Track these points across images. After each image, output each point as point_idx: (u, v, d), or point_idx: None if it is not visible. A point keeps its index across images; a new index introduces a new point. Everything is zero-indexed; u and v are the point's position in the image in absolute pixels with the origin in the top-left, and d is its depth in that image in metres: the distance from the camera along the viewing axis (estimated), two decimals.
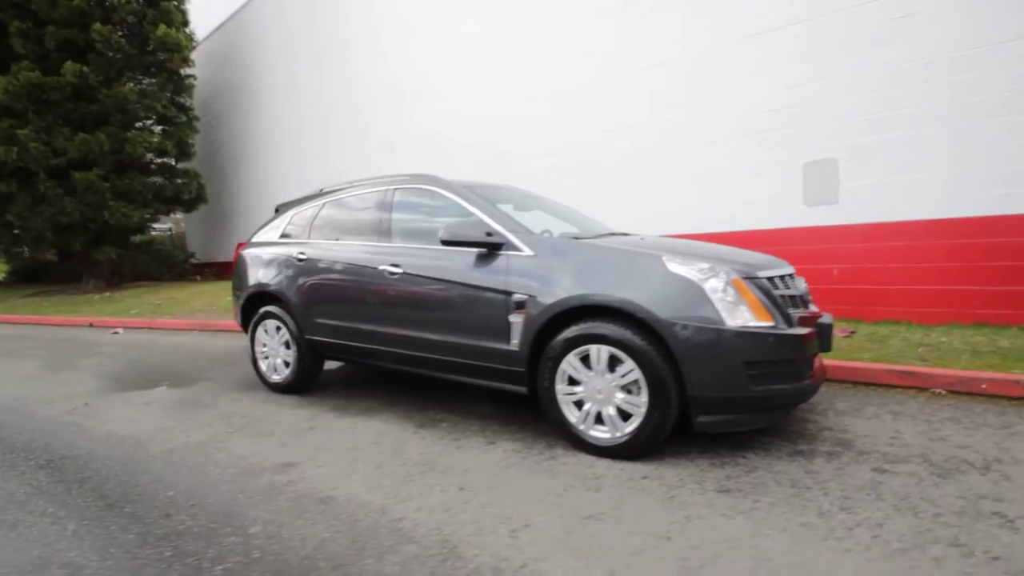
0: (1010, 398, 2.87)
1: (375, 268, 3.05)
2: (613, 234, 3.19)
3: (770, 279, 2.33)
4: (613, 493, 2.00)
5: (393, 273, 2.96)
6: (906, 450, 2.29)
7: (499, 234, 2.62)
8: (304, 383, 3.59)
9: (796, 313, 2.33)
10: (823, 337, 2.38)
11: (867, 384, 3.29)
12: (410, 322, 2.91)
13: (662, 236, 3.49)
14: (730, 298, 2.14)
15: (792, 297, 2.39)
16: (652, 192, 5.75)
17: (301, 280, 3.44)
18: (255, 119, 12.55)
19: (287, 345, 3.57)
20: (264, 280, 3.67)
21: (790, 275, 2.53)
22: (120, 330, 7.23)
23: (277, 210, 4.03)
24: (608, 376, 2.27)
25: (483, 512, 1.90)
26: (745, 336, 2.09)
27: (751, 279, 2.24)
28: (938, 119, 4.12)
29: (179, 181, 11.75)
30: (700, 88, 5.38)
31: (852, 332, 4.21)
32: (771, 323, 2.16)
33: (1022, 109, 3.82)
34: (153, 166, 11.70)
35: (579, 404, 2.39)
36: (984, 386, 2.94)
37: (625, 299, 2.18)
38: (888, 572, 1.49)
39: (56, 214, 9.96)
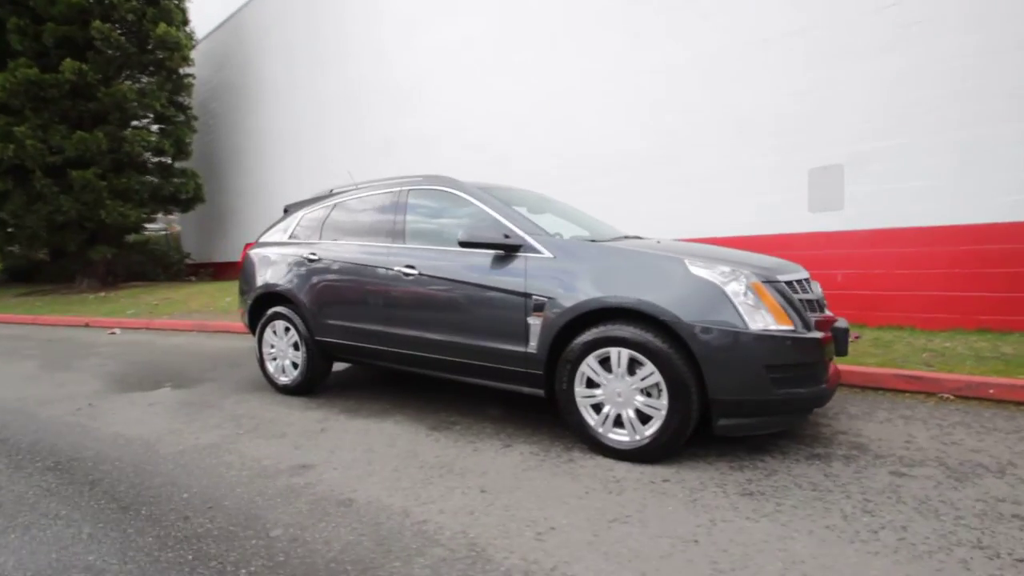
0: (1018, 403, 2.90)
1: (389, 269, 3.03)
2: (627, 237, 3.20)
3: (788, 283, 2.34)
4: (636, 496, 2.00)
5: (408, 274, 2.95)
6: (921, 454, 2.31)
7: (518, 236, 2.62)
8: (312, 385, 3.56)
9: (813, 317, 2.34)
10: (839, 341, 2.40)
11: (875, 389, 3.32)
12: (425, 324, 2.90)
13: (670, 240, 3.50)
14: (751, 302, 2.15)
15: (809, 301, 2.41)
16: (655, 195, 5.78)
17: (312, 281, 3.41)
18: (253, 119, 12.50)
19: (296, 346, 3.54)
20: (273, 281, 3.64)
21: (806, 279, 2.55)
22: (117, 330, 7.14)
23: (286, 210, 4.00)
24: (628, 379, 2.27)
25: (507, 515, 1.90)
26: (767, 340, 2.10)
27: (771, 283, 2.25)
28: (942, 126, 4.18)
29: (176, 180, 11.66)
30: (705, 92, 5.43)
31: (857, 337, 4.24)
32: (791, 327, 2.17)
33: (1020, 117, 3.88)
34: (150, 165, 11.59)
35: (597, 407, 2.38)
36: (992, 391, 2.97)
37: (648, 302, 2.18)
38: (917, 574, 1.50)
39: (52, 212, 9.84)
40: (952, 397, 3.05)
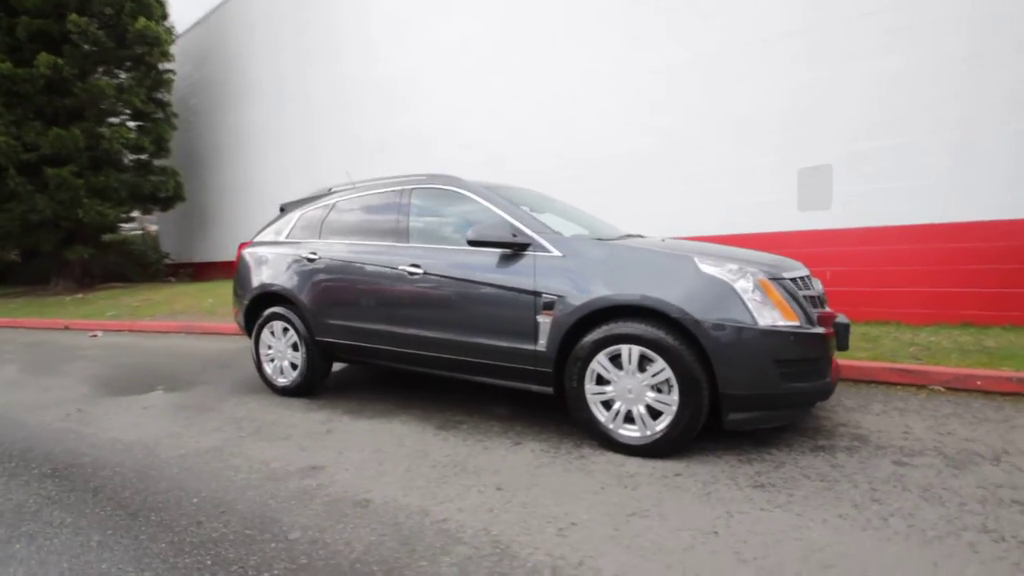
0: (1004, 394, 3.02)
1: (393, 269, 3.01)
2: (630, 235, 3.23)
3: (792, 280, 2.40)
4: (651, 491, 2.03)
5: (413, 274, 2.94)
6: (919, 444, 2.39)
7: (526, 235, 2.63)
8: (312, 386, 3.51)
9: (815, 313, 2.40)
10: (840, 336, 2.47)
11: (868, 382, 3.42)
12: (431, 323, 2.89)
13: (670, 238, 3.55)
14: (759, 298, 2.20)
15: (811, 298, 2.47)
16: (652, 194, 5.85)
17: (312, 281, 3.37)
18: (236, 117, 12.24)
19: (295, 347, 3.49)
20: (271, 281, 3.59)
21: (808, 276, 2.61)
22: (99, 333, 6.93)
23: (282, 209, 3.94)
24: (639, 376, 2.30)
25: (526, 512, 1.91)
26: (776, 335, 2.15)
27: (777, 280, 2.31)
28: (937, 127, 4.32)
29: (156, 179, 11.36)
30: (702, 92, 5.51)
31: None
32: (797, 323, 2.23)
33: (1019, 118, 4.03)
34: (129, 163, 11.27)
35: (607, 404, 2.41)
36: (979, 383, 3.09)
37: (661, 299, 2.21)
38: (930, 558, 1.55)
39: (26, 212, 9.49)
40: (942, 389, 3.16)
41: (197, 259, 14.14)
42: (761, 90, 5.15)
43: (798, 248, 4.86)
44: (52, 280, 11.19)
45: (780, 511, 1.85)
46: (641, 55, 5.92)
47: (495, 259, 2.70)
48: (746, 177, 5.27)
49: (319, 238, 3.50)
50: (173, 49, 11.73)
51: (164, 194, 11.51)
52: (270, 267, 3.64)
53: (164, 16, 11.30)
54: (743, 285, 2.21)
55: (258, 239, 3.91)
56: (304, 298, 3.39)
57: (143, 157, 11.66)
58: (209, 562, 1.66)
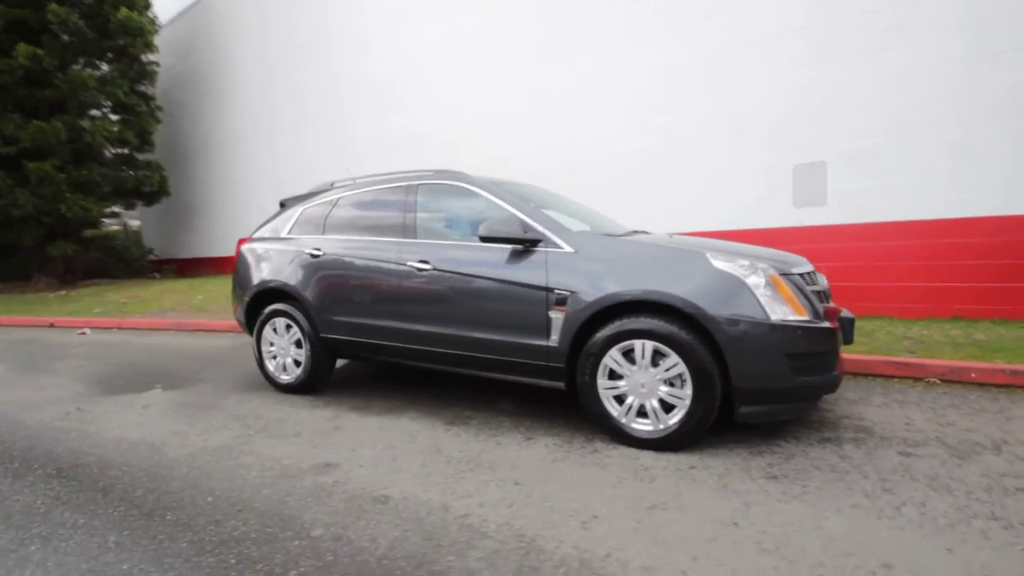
0: (997, 385, 3.12)
1: (401, 264, 3.00)
2: (636, 232, 3.25)
3: (800, 275, 2.45)
4: (667, 483, 2.06)
5: (421, 269, 2.92)
6: (921, 435, 2.46)
7: (537, 231, 2.64)
8: (315, 383, 3.49)
9: (822, 308, 2.45)
10: (845, 330, 2.53)
11: (866, 375, 3.50)
12: (440, 319, 2.88)
13: (676, 234, 3.58)
14: (770, 293, 2.23)
15: (818, 292, 2.52)
16: (650, 192, 5.89)
17: (317, 277, 3.34)
18: (222, 111, 12.02)
19: (298, 344, 3.46)
20: (273, 277, 3.54)
21: (813, 271, 2.66)
22: (87, 330, 6.78)
23: (282, 205, 3.89)
24: (652, 370, 2.32)
25: (547, 506, 1.92)
26: (787, 330, 2.19)
27: (786, 275, 2.35)
28: (928, 126, 4.42)
29: (140, 173, 11.10)
30: (701, 90, 5.56)
31: None
32: (806, 317, 2.27)
33: (1012, 118, 4.13)
34: (112, 156, 11.00)
35: (619, 398, 2.43)
36: (973, 375, 3.19)
37: (674, 295, 2.24)
38: (944, 545, 1.61)
39: (7, 206, 9.21)
40: (938, 381, 3.25)
41: (181, 255, 13.89)
42: (760, 89, 5.21)
43: (793, 244, 4.93)
44: (33, 277, 10.90)
45: (796, 502, 1.89)
46: (641, 54, 5.95)
47: (505, 255, 2.70)
48: (744, 175, 5.33)
49: (323, 234, 3.47)
50: (156, 40, 11.45)
51: (148, 188, 11.27)
52: (272, 263, 3.60)
53: (147, 6, 11.03)
54: (755, 280, 2.24)
55: (258, 235, 3.86)
56: (308, 294, 3.36)
57: (125, 151, 11.39)
58: (233, 561, 1.65)
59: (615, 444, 2.46)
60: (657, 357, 2.32)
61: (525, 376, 2.70)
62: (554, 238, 2.61)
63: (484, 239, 2.64)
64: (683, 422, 2.28)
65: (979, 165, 4.23)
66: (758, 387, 2.22)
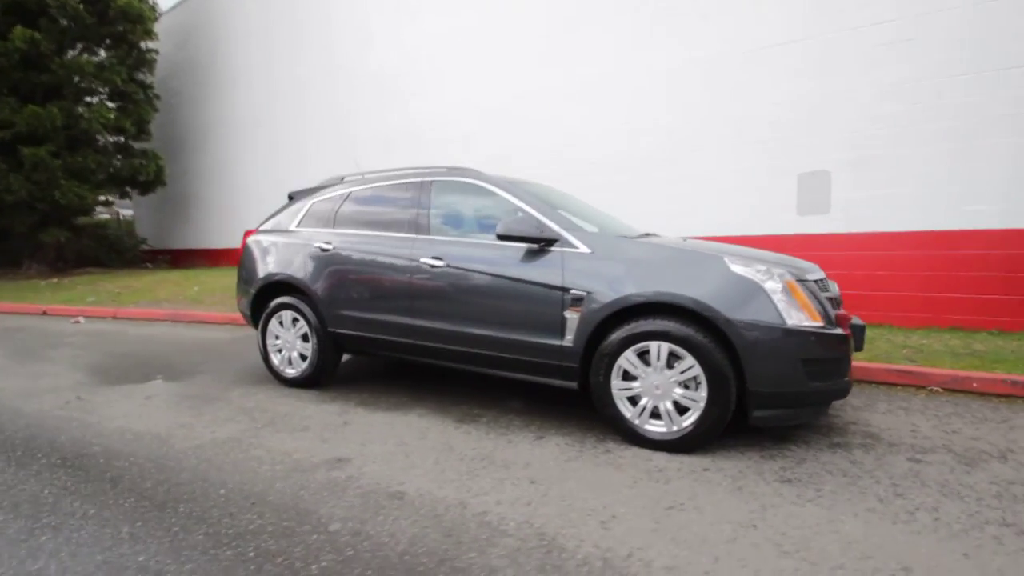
0: (998, 395, 3.17)
1: (414, 261, 2.99)
2: (647, 234, 3.27)
3: (815, 282, 2.47)
4: (683, 485, 2.07)
5: (434, 266, 2.91)
6: (928, 442, 2.49)
7: (554, 231, 2.64)
8: (321, 377, 3.46)
9: (834, 314, 2.48)
10: (856, 337, 2.56)
11: (869, 382, 3.54)
12: (452, 316, 2.87)
13: (687, 238, 3.60)
14: (787, 299, 2.25)
15: (830, 299, 2.54)
16: (651, 195, 5.91)
17: (326, 271, 3.31)
18: (220, 101, 11.89)
19: (305, 338, 3.43)
20: (281, 270, 3.51)
21: (824, 279, 2.69)
22: (82, 319, 6.68)
23: (291, 197, 3.86)
24: (667, 372, 2.33)
25: (565, 505, 1.92)
26: (803, 335, 2.21)
27: (801, 281, 2.37)
28: (929, 139, 4.48)
29: (136, 162, 10.95)
30: (704, 95, 5.59)
31: None
32: (821, 323, 2.29)
33: (1013, 132, 4.20)
34: (108, 144, 10.84)
35: (632, 399, 2.44)
36: (975, 384, 3.24)
37: (692, 297, 2.25)
38: (959, 549, 1.63)
39: (0, 192, 9.04)
40: (940, 390, 3.30)
41: (175, 246, 13.73)
42: (762, 96, 5.25)
43: (795, 251, 4.97)
44: (24, 263, 10.71)
45: (811, 505, 1.91)
46: (642, 56, 5.97)
47: (520, 254, 2.70)
48: (746, 181, 5.37)
49: (333, 228, 3.44)
50: (156, 28, 11.31)
51: (144, 177, 11.11)
52: (280, 256, 3.57)
53: None
54: (772, 285, 2.26)
55: (265, 227, 3.82)
56: (317, 288, 3.33)
57: (121, 139, 11.23)
58: (252, 554, 1.63)
59: (627, 445, 2.46)
60: (672, 359, 2.33)
61: (537, 375, 2.70)
62: (571, 238, 2.61)
63: (502, 237, 2.64)
64: (697, 424, 2.29)
65: (980, 178, 4.30)
66: (773, 391, 2.23)
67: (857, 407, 3.02)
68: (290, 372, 3.51)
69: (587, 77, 6.38)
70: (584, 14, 6.40)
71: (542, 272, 2.60)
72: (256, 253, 3.73)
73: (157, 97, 11.75)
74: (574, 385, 2.61)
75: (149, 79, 11.54)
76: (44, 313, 7.21)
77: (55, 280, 9.72)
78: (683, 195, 5.72)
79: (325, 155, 9.46)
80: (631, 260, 2.47)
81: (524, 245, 2.68)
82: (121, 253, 13.17)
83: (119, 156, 10.87)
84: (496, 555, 1.62)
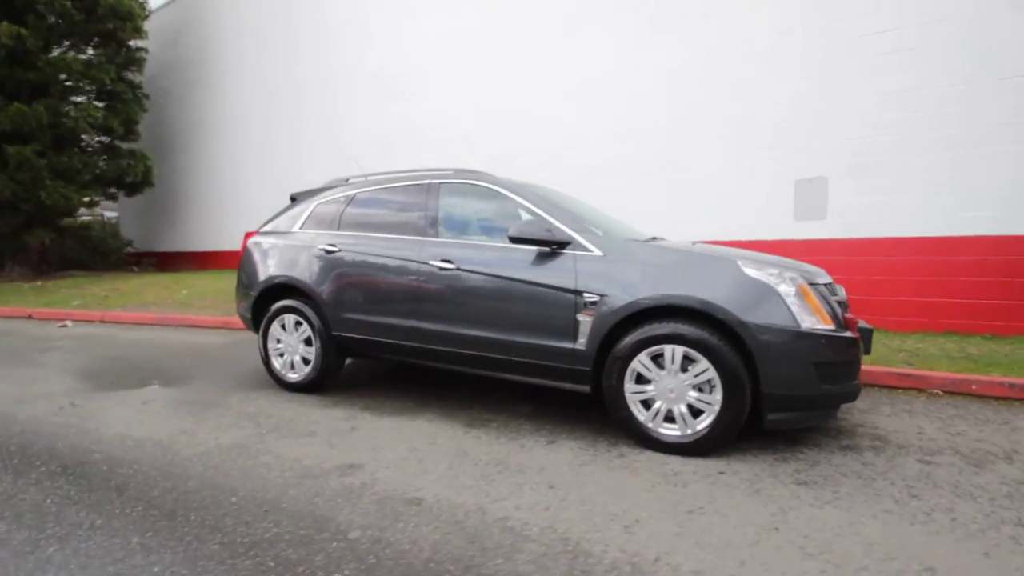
0: (997, 398, 3.23)
1: (423, 263, 2.96)
2: (655, 238, 3.28)
3: (824, 285, 2.50)
4: (701, 488, 2.07)
5: (444, 269, 2.89)
6: (935, 444, 2.53)
7: (566, 234, 2.63)
8: (324, 382, 3.41)
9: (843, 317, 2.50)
10: (865, 340, 2.58)
11: (870, 385, 3.58)
12: (462, 320, 2.85)
13: (697, 242, 3.63)
14: (800, 302, 2.27)
15: (839, 303, 2.57)
16: (651, 199, 5.95)
17: (331, 274, 3.27)
18: (211, 101, 11.73)
19: (308, 341, 3.38)
20: (283, 272, 3.46)
21: (831, 283, 2.72)
22: (69, 323, 6.51)
23: (293, 199, 3.81)
24: (681, 375, 2.34)
25: (586, 509, 1.91)
26: (816, 338, 2.23)
27: (812, 285, 2.39)
28: (928, 146, 4.57)
29: (124, 162, 10.73)
30: (703, 99, 5.65)
31: None
32: (832, 327, 2.32)
33: (1013, 141, 4.30)
34: (95, 144, 10.62)
35: (645, 403, 2.44)
36: (974, 387, 3.29)
37: (708, 301, 2.26)
38: (978, 549, 1.65)
39: None
40: (940, 393, 3.35)
41: (161, 248, 13.48)
42: (761, 101, 5.32)
43: (792, 256, 5.06)
44: (6, 266, 10.42)
45: (830, 507, 1.92)
46: (645, 56, 6.02)
47: (531, 257, 2.69)
48: (747, 186, 5.44)
49: (338, 230, 3.40)
50: (145, 26, 11.13)
51: (132, 178, 10.90)
52: (282, 258, 3.51)
53: None
54: (785, 289, 2.28)
55: (267, 229, 3.76)
56: (321, 291, 3.29)
57: (105, 139, 10.99)
58: (271, 563, 1.59)
59: (640, 448, 2.46)
60: (686, 362, 2.33)
61: (549, 379, 2.69)
62: (583, 241, 2.61)
63: (514, 240, 2.63)
64: (712, 427, 2.29)
65: (979, 185, 4.40)
66: (786, 394, 2.25)
67: (862, 410, 3.05)
68: (292, 376, 3.45)
69: (587, 78, 6.41)
70: (584, 14, 6.43)
71: (554, 275, 2.59)
72: (257, 255, 3.67)
73: (146, 96, 11.56)
74: (586, 389, 2.60)
75: (138, 78, 11.35)
76: (29, 317, 7.02)
77: (39, 283, 9.47)
78: (683, 199, 5.76)
79: (320, 156, 9.38)
80: (644, 263, 2.48)
81: (535, 248, 2.68)
82: (106, 256, 12.89)
83: (106, 156, 10.64)
84: (522, 561, 1.60)
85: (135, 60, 10.98)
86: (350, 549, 1.67)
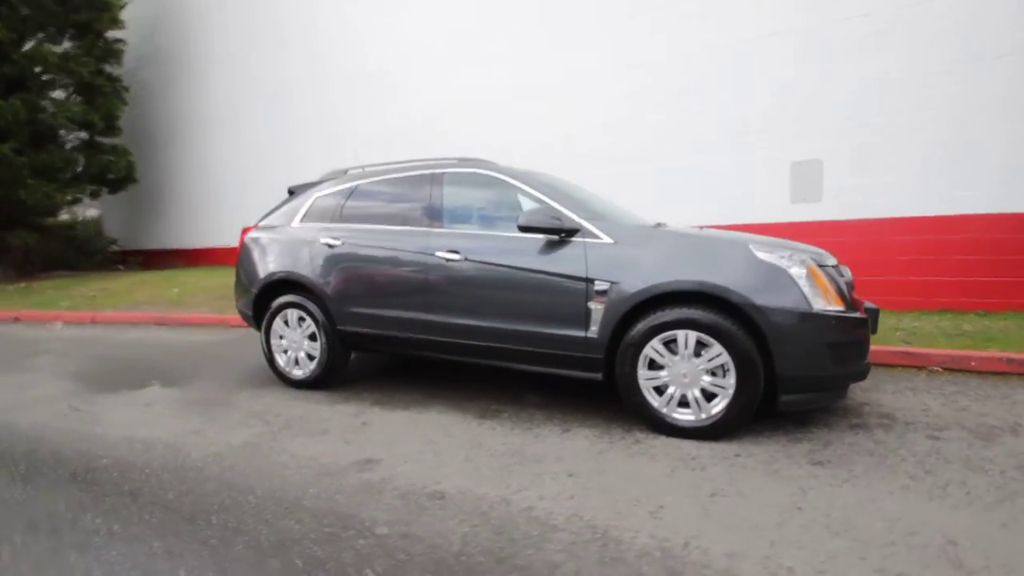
0: (995, 373, 3.30)
1: (430, 255, 2.92)
2: (659, 224, 3.27)
3: (832, 267, 2.52)
4: (719, 471, 2.09)
5: (451, 260, 2.86)
6: (941, 419, 2.58)
7: (574, 221, 2.61)
8: (330, 377, 3.37)
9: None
10: (872, 320, 2.61)
11: (871, 364, 3.64)
12: (471, 311, 2.82)
13: (703, 227, 3.62)
14: (811, 284, 2.29)
15: (847, 284, 2.59)
16: (644, 187, 5.93)
17: (335, 267, 3.22)
18: (196, 94, 11.41)
19: (313, 337, 3.34)
20: (285, 268, 3.40)
21: (838, 264, 2.74)
22: (59, 324, 6.37)
23: (291, 192, 3.73)
24: (695, 360, 2.35)
25: (609, 496, 1.92)
26: (828, 319, 2.25)
27: (822, 267, 2.41)
28: (921, 127, 4.60)
29: (106, 158, 10.44)
30: (695, 87, 5.63)
31: None
32: (843, 308, 2.34)
33: (1004, 119, 4.33)
34: (76, 140, 10.30)
35: (658, 389, 2.45)
36: (973, 363, 3.36)
37: (721, 285, 2.26)
38: (996, 521, 1.69)
39: None
40: (940, 370, 3.42)
41: (148, 246, 13.20)
42: (753, 87, 5.31)
43: (788, 238, 5.11)
44: None
45: (847, 486, 1.95)
46: (636, 48, 5.97)
47: (540, 245, 2.67)
48: (737, 170, 5.45)
49: (340, 223, 3.34)
50: (123, 16, 10.76)
51: (115, 175, 10.62)
52: (283, 253, 3.45)
53: None
54: (797, 271, 2.29)
55: (265, 223, 3.69)
56: (325, 286, 3.24)
57: (84, 135, 10.66)
58: (300, 563, 1.58)
59: (655, 434, 2.48)
60: (699, 347, 2.34)
61: (560, 368, 2.69)
62: (593, 228, 2.59)
63: (523, 229, 2.61)
64: (727, 411, 2.31)
65: (971, 165, 4.45)
66: (800, 376, 2.27)
67: (866, 388, 3.10)
68: (297, 373, 3.41)
69: (581, 70, 6.34)
70: (583, 11, 6.34)
71: (565, 263, 2.57)
72: (257, 251, 3.60)
73: (126, 89, 11.21)
74: (598, 376, 2.60)
75: (117, 71, 10.99)
76: (16, 319, 6.85)
77: (23, 284, 9.24)
78: (677, 186, 5.75)
79: (311, 150, 9.20)
80: (655, 249, 2.47)
81: (544, 237, 2.65)
82: (90, 255, 12.59)
83: (87, 152, 10.33)
84: (553, 550, 1.60)
85: (113, 52, 10.63)
86: (379, 545, 1.66)
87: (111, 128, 10.57)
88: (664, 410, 2.43)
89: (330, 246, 3.26)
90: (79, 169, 10.00)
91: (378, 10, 8.27)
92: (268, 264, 3.50)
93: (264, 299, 3.53)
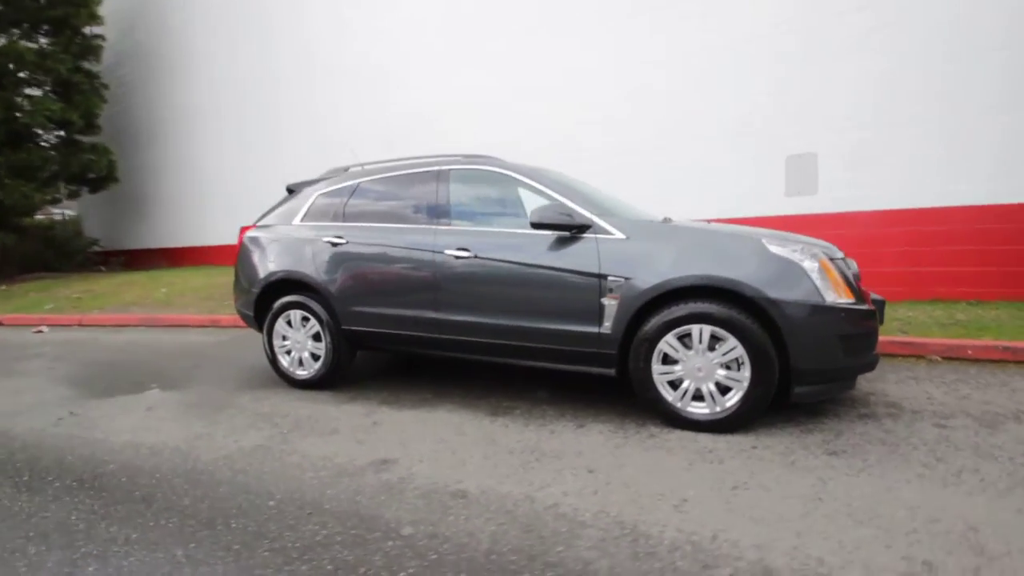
0: (993, 361, 3.38)
1: (437, 253, 2.90)
2: (667, 219, 3.28)
3: (840, 260, 2.55)
4: (738, 464, 2.11)
5: (460, 257, 2.84)
6: (946, 408, 2.64)
7: (586, 217, 2.61)
8: (335, 377, 3.33)
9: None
10: (879, 312, 2.66)
11: None
12: (482, 308, 2.81)
13: (710, 220, 3.64)
14: (823, 277, 2.31)
15: (854, 276, 2.63)
16: (643, 183, 5.95)
17: (339, 266, 3.18)
18: (178, 91, 11.16)
19: (317, 337, 3.29)
20: (288, 267, 3.34)
21: (845, 257, 2.78)
22: (45, 328, 6.20)
23: (290, 190, 3.67)
24: (709, 354, 2.36)
25: (632, 491, 1.92)
26: (840, 311, 2.28)
27: (832, 260, 2.44)
28: (915, 121, 4.68)
29: (86, 157, 10.16)
30: (693, 84, 5.66)
31: None
32: (853, 300, 2.37)
33: (996, 112, 4.42)
34: (54, 139, 10.00)
35: (673, 383, 2.46)
36: (970, 352, 3.44)
37: (736, 279, 2.28)
38: (1012, 507, 1.73)
39: None
40: (939, 359, 3.49)
41: (130, 246, 12.91)
42: (750, 83, 5.35)
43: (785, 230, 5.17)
44: None
45: (864, 475, 1.98)
46: (634, 46, 5.98)
47: (551, 241, 2.66)
48: (734, 165, 5.49)
49: (343, 221, 3.29)
50: (101, 12, 10.46)
51: (95, 174, 10.34)
52: (285, 253, 3.39)
53: None
54: (809, 265, 2.32)
55: (264, 222, 3.62)
56: (329, 285, 3.19)
57: (63, 133, 10.36)
58: (330, 567, 1.55)
59: (669, 428, 2.49)
60: (713, 341, 2.36)
61: (573, 364, 2.69)
62: (604, 224, 2.59)
63: (535, 225, 2.59)
64: (741, 403, 2.33)
65: (963, 158, 4.54)
66: (814, 367, 2.30)
67: (870, 378, 3.15)
68: (301, 374, 3.37)
69: (579, 66, 6.33)
70: (581, 6, 6.32)
71: (577, 259, 2.57)
72: (256, 250, 3.53)
73: (105, 87, 10.92)
74: (612, 372, 2.61)
75: (96, 67, 10.69)
76: (0, 323, 6.65)
77: (3, 287, 8.98)
78: (675, 181, 5.78)
79: (299, 147, 9.06)
80: (668, 244, 2.48)
81: (555, 233, 2.64)
82: (70, 256, 12.28)
83: (67, 151, 10.05)
84: (584, 547, 1.60)
85: (91, 48, 10.34)
86: (408, 546, 1.64)
87: (91, 126, 10.29)
88: (679, 404, 2.45)
89: (334, 244, 3.21)
90: (57, 168, 9.71)
91: (368, 5, 8.14)
92: (269, 264, 3.43)
93: (265, 299, 3.47)
